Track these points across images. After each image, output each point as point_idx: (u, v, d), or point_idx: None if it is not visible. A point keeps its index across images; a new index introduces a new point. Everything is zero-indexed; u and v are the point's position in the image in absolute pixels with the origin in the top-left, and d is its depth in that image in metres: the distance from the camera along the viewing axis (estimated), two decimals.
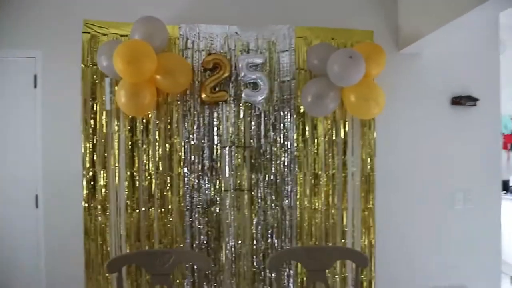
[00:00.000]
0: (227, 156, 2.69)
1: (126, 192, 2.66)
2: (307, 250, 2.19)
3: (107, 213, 2.65)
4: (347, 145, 2.76)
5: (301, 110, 2.72)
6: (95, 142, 2.65)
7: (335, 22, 2.78)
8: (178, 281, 2.64)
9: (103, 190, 2.65)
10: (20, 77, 2.78)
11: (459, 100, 2.85)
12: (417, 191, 2.90)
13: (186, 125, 2.67)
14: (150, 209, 2.67)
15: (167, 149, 2.68)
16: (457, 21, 2.23)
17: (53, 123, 2.76)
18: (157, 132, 2.68)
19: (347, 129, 2.76)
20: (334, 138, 2.75)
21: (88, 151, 2.64)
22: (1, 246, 2.77)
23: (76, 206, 2.65)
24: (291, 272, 2.71)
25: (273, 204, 2.71)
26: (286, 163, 2.71)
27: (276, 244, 2.70)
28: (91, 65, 2.65)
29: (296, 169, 2.72)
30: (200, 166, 2.68)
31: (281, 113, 2.71)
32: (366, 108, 2.53)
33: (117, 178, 2.66)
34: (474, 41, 2.91)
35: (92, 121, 2.65)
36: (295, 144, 2.72)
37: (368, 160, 2.76)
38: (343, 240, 2.75)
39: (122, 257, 2.15)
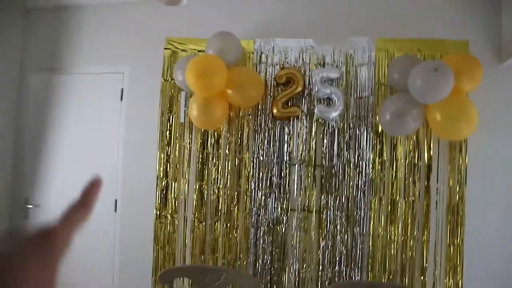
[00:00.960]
0: (296, 175, 2.57)
1: (194, 205, 2.68)
2: (371, 286, 1.95)
3: (176, 223, 2.70)
4: (432, 170, 2.43)
5: (379, 129, 2.48)
6: (169, 153, 2.73)
7: (422, 33, 2.50)
8: None
9: (174, 200, 2.71)
10: (109, 90, 3.01)
11: None
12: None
13: (256, 141, 2.62)
14: (216, 223, 2.65)
15: (236, 164, 2.64)
16: None
17: (135, 134, 2.92)
18: (228, 146, 2.66)
19: (432, 151, 2.44)
20: (416, 161, 2.45)
21: (162, 162, 2.73)
22: (81, 245, 2.98)
23: (149, 213, 2.75)
24: None
25: (343, 229, 2.50)
26: (360, 186, 2.49)
27: (344, 273, 2.48)
28: (170, 80, 2.75)
29: (371, 194, 2.48)
30: (268, 183, 2.59)
31: (357, 131, 2.51)
32: (455, 128, 2.20)
33: (186, 189, 2.70)
34: None
35: (167, 133, 2.74)
36: (371, 166, 2.49)
37: (457, 188, 2.40)
38: (422, 278, 2.41)
39: (175, 269, 2.14)
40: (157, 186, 2.74)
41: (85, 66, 3.05)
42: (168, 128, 2.76)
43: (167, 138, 2.75)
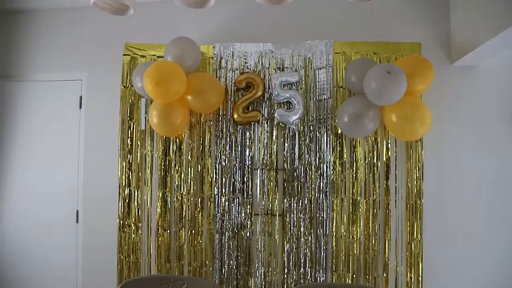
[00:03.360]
0: (258, 179, 2.57)
1: (158, 212, 2.65)
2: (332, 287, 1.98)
3: (140, 232, 2.66)
4: (390, 169, 2.49)
5: (339, 131, 2.52)
6: (130, 161, 2.68)
7: (378, 36, 2.55)
8: None
9: (137, 209, 2.67)
10: (67, 98, 2.93)
11: None
12: (472, 221, 2.51)
13: (218, 146, 2.61)
14: (180, 230, 2.63)
15: (199, 170, 2.63)
16: None
17: (95, 142, 2.86)
18: (190, 153, 2.64)
19: (390, 151, 2.50)
20: (375, 161, 2.50)
21: (124, 170, 2.68)
22: (43, 256, 2.90)
23: (112, 223, 2.70)
24: None
25: (306, 231, 2.52)
26: (321, 188, 2.52)
27: (309, 274, 2.51)
28: (129, 86, 2.70)
29: (333, 195, 2.52)
30: (231, 188, 2.59)
31: (317, 134, 2.54)
32: (410, 129, 2.26)
33: (149, 198, 2.66)
34: None
35: (129, 140, 2.70)
36: (332, 168, 2.52)
37: (415, 186, 2.47)
38: (385, 275, 2.47)
39: (135, 280, 2.11)
40: (119, 195, 2.69)
41: (41, 73, 2.97)
42: (129, 135, 2.71)
43: (129, 146, 2.70)
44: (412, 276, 2.46)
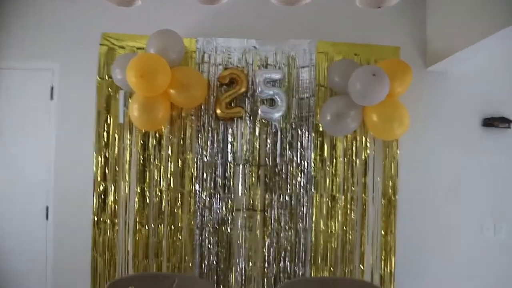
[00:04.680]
0: (240, 175, 2.59)
1: (136, 208, 2.59)
2: (323, 282, 2.05)
3: (116, 228, 2.59)
4: (368, 167, 2.60)
5: (320, 129, 2.59)
6: (107, 155, 2.60)
7: (359, 37, 2.65)
8: None
9: (113, 204, 2.60)
10: (37, 88, 2.78)
11: (491, 122, 2.65)
12: (443, 217, 2.69)
13: (199, 141, 2.60)
14: (159, 226, 2.59)
15: (179, 165, 2.60)
16: (488, 39, 2.07)
17: (67, 135, 2.73)
18: (170, 148, 2.60)
19: (368, 149, 2.61)
20: (354, 158, 2.60)
21: (99, 165, 2.59)
22: (10, 256, 2.74)
23: (85, 220, 2.60)
24: None
25: (287, 226, 2.58)
26: (302, 184, 2.59)
27: (288, 268, 2.56)
28: (106, 78, 2.61)
29: (313, 190, 2.59)
30: (212, 184, 2.59)
31: (299, 131, 2.60)
32: (389, 129, 2.38)
33: (127, 193, 2.60)
34: (507, 60, 2.72)
35: (105, 134, 2.61)
36: (313, 164, 2.59)
37: (390, 183, 2.60)
38: (361, 267, 2.58)
39: (125, 279, 2.07)
40: (94, 190, 2.60)
41: (9, 61, 2.77)
42: (105, 129, 2.62)
43: (105, 140, 2.62)
44: (386, 268, 2.59)
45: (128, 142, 2.61)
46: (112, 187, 2.61)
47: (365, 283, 2.35)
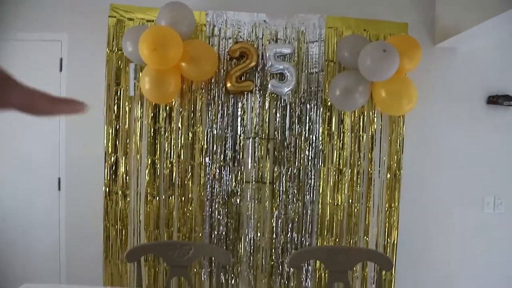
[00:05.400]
0: (250, 148, 2.64)
1: (147, 179, 2.64)
2: (331, 251, 2.13)
3: (127, 199, 2.65)
4: (375, 141, 2.66)
5: (328, 104, 2.63)
6: (117, 128, 2.63)
7: (368, 13, 2.66)
8: (195, 270, 2.63)
9: (124, 176, 2.65)
10: (46, 60, 2.78)
11: (496, 100, 2.71)
12: (445, 192, 2.78)
13: (209, 114, 2.63)
14: (170, 197, 2.65)
15: (190, 138, 2.64)
16: (497, 18, 2.09)
17: None
18: (180, 120, 2.64)
19: (375, 124, 2.65)
20: (361, 133, 2.65)
21: (110, 137, 2.63)
22: (24, 226, 2.81)
23: (97, 191, 2.65)
24: (310, 268, 2.66)
25: (294, 198, 2.65)
26: (310, 157, 2.64)
27: (296, 239, 2.65)
28: (116, 50, 2.61)
29: (320, 164, 2.65)
30: (222, 157, 2.64)
31: (308, 105, 2.63)
32: (397, 105, 2.42)
33: (138, 165, 2.64)
34: None
35: (115, 107, 2.63)
36: (320, 138, 2.64)
37: (396, 158, 2.66)
38: (365, 238, 2.67)
39: (142, 247, 2.13)
40: (105, 162, 2.64)
41: (17, 33, 2.77)
42: (115, 101, 2.64)
43: (115, 112, 2.64)
44: (389, 240, 2.68)
45: (139, 115, 2.64)
46: (123, 159, 2.65)
47: (374, 251, 2.43)
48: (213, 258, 2.62)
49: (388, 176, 2.68)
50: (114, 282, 2.62)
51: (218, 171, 2.63)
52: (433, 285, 2.77)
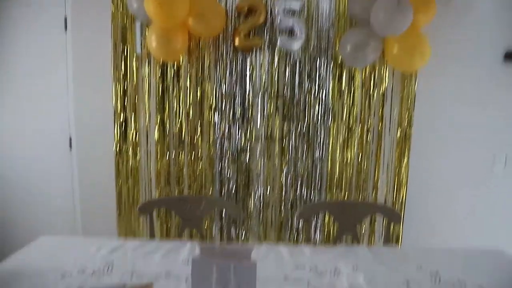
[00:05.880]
0: (259, 105, 2.63)
1: (156, 138, 2.66)
2: (341, 204, 2.16)
3: (138, 157, 2.68)
4: (386, 98, 2.62)
5: (339, 60, 2.58)
6: (125, 86, 2.63)
7: None
8: (206, 225, 2.69)
9: (134, 134, 2.66)
10: (51, 20, 2.74)
11: None
12: (456, 150, 2.75)
13: (217, 72, 2.61)
14: (180, 155, 2.67)
15: (198, 96, 2.63)
16: None
17: (84, 66, 2.74)
18: (188, 78, 2.62)
19: (386, 81, 2.61)
20: (371, 90, 2.62)
21: (119, 96, 2.63)
22: (39, 185, 2.88)
23: (108, 149, 2.68)
24: (319, 222, 2.71)
25: (304, 155, 2.66)
26: (319, 114, 2.63)
27: (305, 195, 2.69)
28: (121, 8, 2.56)
29: (330, 121, 2.64)
30: (231, 114, 2.64)
31: (317, 62, 2.59)
32: (410, 61, 2.37)
33: (147, 123, 2.65)
34: None
35: (122, 65, 2.61)
36: (330, 95, 2.62)
37: (406, 115, 2.63)
38: (374, 194, 2.70)
39: (154, 201, 2.18)
40: (115, 120, 2.65)
41: None
42: (122, 60, 2.62)
43: (123, 71, 2.63)
44: (398, 197, 2.70)
45: (147, 73, 2.62)
46: (132, 117, 2.66)
47: (383, 205, 2.45)
48: (223, 214, 2.68)
49: (399, 133, 2.66)
50: (128, 235, 2.70)
51: (227, 128, 2.64)
52: (441, 241, 2.80)
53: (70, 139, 2.82)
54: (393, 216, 2.00)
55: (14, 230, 2.94)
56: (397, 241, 2.73)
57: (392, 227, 2.55)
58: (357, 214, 2.01)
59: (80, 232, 2.87)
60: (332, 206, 2.17)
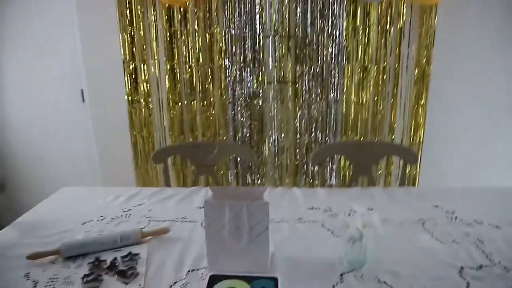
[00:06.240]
0: (270, 47, 2.53)
1: (167, 86, 2.62)
2: (355, 145, 2.12)
3: (150, 107, 2.66)
4: (403, 35, 2.49)
5: None
6: (132, 34, 2.55)
7: None
8: (222, 172, 2.71)
9: (145, 84, 2.63)
10: None
11: None
12: (476, 88, 2.63)
13: (226, 13, 2.49)
14: (192, 103, 2.64)
15: (207, 40, 2.54)
16: None
17: (90, 16, 2.65)
18: (196, 22, 2.52)
19: (404, 16, 2.46)
20: (388, 27, 2.48)
21: (126, 44, 2.56)
22: (56, 139, 2.91)
23: (120, 100, 2.66)
24: (334, 166, 2.69)
25: (318, 98, 2.59)
26: (333, 54, 2.52)
27: (320, 138, 2.65)
28: None
29: (344, 61, 2.54)
30: (241, 58, 2.55)
31: None
32: None
33: (157, 71, 2.60)
34: None
35: (127, 12, 2.52)
36: (344, 34, 2.49)
37: (425, 52, 2.50)
38: (390, 135, 2.64)
39: (167, 148, 2.17)
40: (124, 70, 2.61)
41: None
42: (127, 6, 2.52)
43: (128, 18, 2.54)
44: (415, 138, 2.64)
45: (153, 18, 2.53)
46: (142, 67, 2.61)
47: (399, 145, 2.40)
48: (238, 160, 2.68)
49: (416, 71, 2.55)
50: (146, 185, 2.75)
51: (238, 73, 2.57)
52: (459, 183, 2.75)
53: (82, 92, 2.80)
54: (409, 156, 1.95)
55: (33, 182, 3.02)
56: (413, 183, 2.71)
57: (408, 168, 2.53)
58: (372, 155, 1.97)
59: (100, 184, 2.93)
60: (346, 147, 2.13)
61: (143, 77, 2.61)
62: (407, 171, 2.65)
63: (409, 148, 2.51)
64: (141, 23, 2.54)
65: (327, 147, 2.08)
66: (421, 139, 2.65)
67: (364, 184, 2.22)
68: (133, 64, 2.60)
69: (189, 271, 1.08)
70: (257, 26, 2.50)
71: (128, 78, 2.62)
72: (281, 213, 1.44)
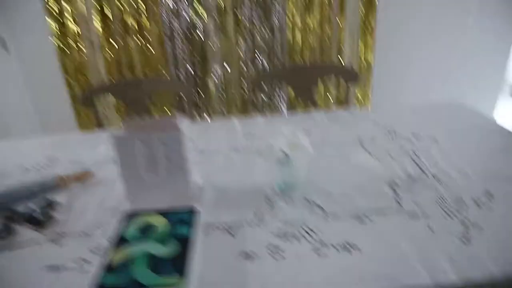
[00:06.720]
0: None
1: (99, 25, 2.40)
2: (294, 69, 2.03)
3: (84, 51, 2.45)
4: None
5: None
6: None
7: None
8: (166, 109, 2.59)
9: (74, 26, 2.39)
10: None
11: None
12: (430, 12, 2.53)
13: None
14: (127, 41, 2.45)
15: None
16: None
17: None
18: None
19: None
20: None
21: None
22: None
23: (47, 45, 2.43)
24: (282, 95, 2.62)
25: (261, 25, 2.45)
26: None
27: (267, 69, 2.55)
28: None
29: None
30: None
31: None
32: None
33: (85, 9, 2.37)
34: None
35: None
36: None
37: None
38: (339, 57, 2.55)
39: (94, 89, 1.97)
40: (47, 11, 2.35)
41: None
42: None
43: None
44: (365, 63, 2.57)
45: None
46: (67, 6, 2.36)
47: (338, 65, 2.32)
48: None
49: None
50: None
51: (174, 4, 2.37)
52: (411, 100, 2.74)
53: (3, 39, 2.52)
54: (348, 75, 1.87)
55: None
56: (361, 103, 2.68)
57: (353, 90, 2.50)
58: (311, 77, 1.87)
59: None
60: (284, 71, 2.04)
61: (71, 18, 2.37)
62: (359, 94, 2.63)
63: (348, 66, 2.44)
64: None
65: (264, 73, 1.98)
66: (372, 63, 2.58)
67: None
68: (58, 6, 2.34)
69: (111, 213, 1.02)
70: None
71: (54, 22, 2.37)
72: (216, 144, 1.38)
